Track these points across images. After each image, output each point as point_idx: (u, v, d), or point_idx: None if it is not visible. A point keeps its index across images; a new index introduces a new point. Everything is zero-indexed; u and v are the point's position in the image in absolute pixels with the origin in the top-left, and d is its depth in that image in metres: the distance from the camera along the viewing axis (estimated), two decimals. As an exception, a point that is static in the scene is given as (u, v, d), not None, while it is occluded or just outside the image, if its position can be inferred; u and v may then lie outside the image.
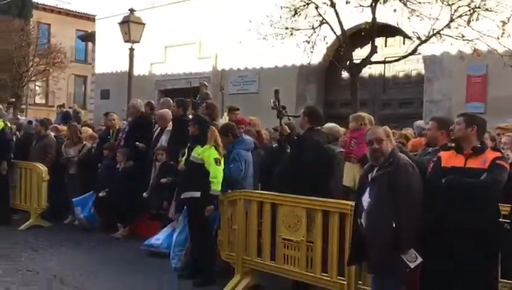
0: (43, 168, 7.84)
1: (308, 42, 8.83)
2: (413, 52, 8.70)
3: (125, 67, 11.62)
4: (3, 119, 8.36)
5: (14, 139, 8.76)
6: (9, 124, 8.59)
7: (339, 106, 12.18)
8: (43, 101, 29.25)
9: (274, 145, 6.42)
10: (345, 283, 4.35)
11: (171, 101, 7.85)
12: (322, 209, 4.57)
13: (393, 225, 3.42)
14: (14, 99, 18.89)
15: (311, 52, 8.93)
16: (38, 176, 7.83)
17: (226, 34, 13.08)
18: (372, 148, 3.65)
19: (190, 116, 6.76)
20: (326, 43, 9.09)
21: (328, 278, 4.51)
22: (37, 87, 25.88)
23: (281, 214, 4.89)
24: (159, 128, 7.57)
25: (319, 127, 5.25)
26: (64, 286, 5.17)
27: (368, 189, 3.66)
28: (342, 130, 6.19)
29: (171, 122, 7.24)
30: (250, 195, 5.25)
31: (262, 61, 12.48)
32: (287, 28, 8.84)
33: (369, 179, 3.67)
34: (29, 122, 9.46)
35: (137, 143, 7.41)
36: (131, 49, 10.48)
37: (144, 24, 10.77)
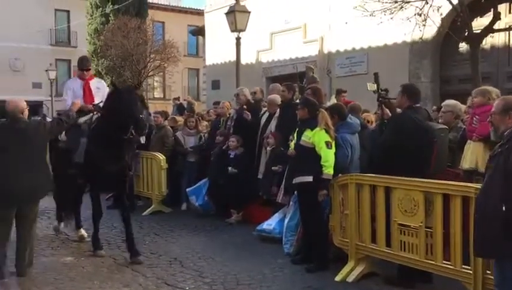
0: (161, 157, 8.31)
1: (420, 15, 8.24)
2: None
3: (233, 57, 11.88)
4: None
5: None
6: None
7: (457, 82, 11.29)
8: (161, 95, 31.14)
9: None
10: (471, 272, 4.00)
11: (280, 86, 7.84)
12: (442, 193, 4.25)
13: (503, 208, 3.07)
14: (135, 95, 20.25)
15: (424, 25, 8.34)
16: (157, 164, 8.31)
17: (331, 16, 12.76)
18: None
19: (297, 101, 6.69)
20: (441, 14, 8.44)
21: (451, 267, 4.20)
22: (154, 82, 27.58)
23: (396, 198, 4.64)
24: (268, 114, 7.61)
25: (417, 105, 4.93)
26: (184, 268, 5.42)
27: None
28: (463, 107, 5.71)
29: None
30: (361, 179, 5.05)
31: (370, 40, 11.96)
32: (396, 2, 8.33)
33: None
34: (149, 114, 10.08)
35: (245, 112, 7.58)
36: (238, 38, 10.67)
37: (249, 12, 10.89)
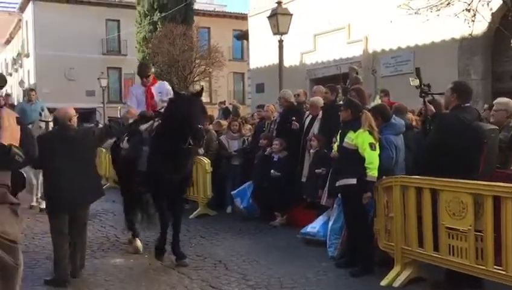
0: (206, 161, 8.43)
1: (469, 10, 7.96)
2: None
3: (277, 60, 11.88)
4: None
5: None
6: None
7: (509, 79, 10.84)
8: (207, 100, 31.60)
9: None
10: (524, 278, 3.82)
11: (323, 88, 7.79)
12: (493, 195, 4.08)
13: None
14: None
15: (473, 21, 8.03)
16: (202, 168, 8.44)
17: (376, 15, 12.54)
18: None
19: (341, 102, 6.62)
20: (491, 9, 8.12)
21: (503, 272, 4.02)
22: (200, 87, 27.99)
23: (443, 201, 4.49)
24: (311, 116, 7.58)
25: (467, 104, 4.73)
26: (228, 271, 5.47)
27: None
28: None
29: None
30: (406, 181, 4.92)
31: (416, 38, 11.67)
32: (442, -2, 8.10)
33: None
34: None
35: (293, 122, 7.51)
36: (280, 41, 10.68)
37: (291, 15, 10.88)
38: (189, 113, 5.13)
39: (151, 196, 6.02)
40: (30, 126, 8.32)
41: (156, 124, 5.90)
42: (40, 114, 8.78)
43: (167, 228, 5.70)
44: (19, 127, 1.34)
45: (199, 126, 5.15)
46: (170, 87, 6.24)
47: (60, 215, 4.96)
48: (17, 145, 1.27)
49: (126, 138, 6.06)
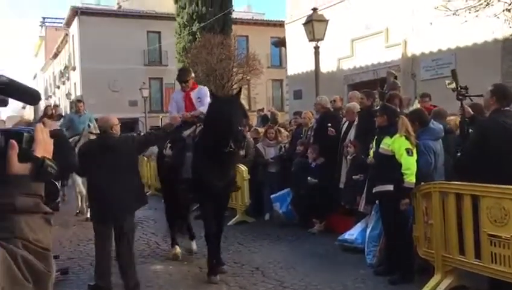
0: (244, 168, 8.50)
1: (509, 10, 7.71)
2: None
3: (313, 66, 11.87)
4: None
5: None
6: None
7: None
8: (246, 107, 31.73)
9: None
10: None
11: (359, 94, 7.73)
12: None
13: None
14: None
15: (514, 21, 7.77)
16: (240, 175, 8.50)
17: (414, 17, 12.31)
18: None
19: (377, 108, 6.54)
20: (533, 8, 7.82)
21: (549, 281, 3.86)
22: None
23: (484, 207, 4.37)
24: (348, 122, 7.53)
25: (507, 108, 4.59)
26: (265, 278, 5.50)
27: None
28: None
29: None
30: (446, 187, 4.82)
31: (457, 40, 11.35)
32: (480, -1, 7.88)
33: None
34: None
35: (329, 128, 7.45)
36: (316, 47, 10.66)
37: (326, 21, 10.86)
38: (227, 115, 5.01)
39: (195, 204, 5.95)
40: (77, 137, 8.41)
41: (198, 129, 5.79)
42: (89, 125, 8.91)
43: (212, 237, 5.56)
44: (53, 140, 1.41)
45: (239, 128, 5.01)
46: (209, 92, 6.05)
47: (103, 223, 5.00)
48: (50, 157, 1.35)
49: (169, 145, 6.02)
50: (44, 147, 1.35)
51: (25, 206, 1.26)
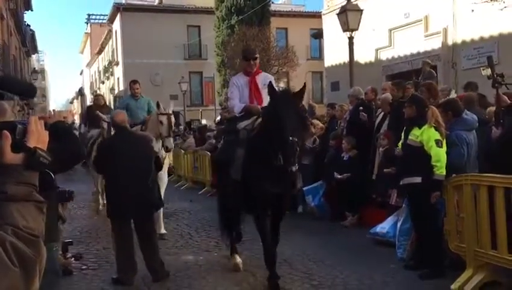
0: (276, 161, 8.46)
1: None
2: None
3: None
4: None
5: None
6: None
7: None
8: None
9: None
10: None
11: (390, 84, 7.57)
12: None
13: None
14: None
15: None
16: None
17: (455, 5, 11.90)
18: None
19: (409, 99, 6.37)
20: None
21: None
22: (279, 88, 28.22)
23: (517, 200, 4.20)
24: (382, 113, 7.39)
25: None
26: (292, 269, 5.49)
27: None
28: None
29: (392, 107, 6.98)
30: (478, 179, 4.65)
31: (500, 27, 10.90)
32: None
33: None
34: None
35: (361, 113, 7.28)
36: (351, 38, 10.49)
37: (361, 10, 10.65)
38: (279, 121, 4.02)
39: (248, 214, 5.12)
40: (140, 126, 7.15)
41: (258, 121, 4.73)
42: (149, 111, 7.86)
43: (267, 255, 4.79)
44: (47, 132, 1.47)
45: (291, 138, 3.94)
46: (274, 81, 5.02)
47: (118, 220, 5.02)
48: (44, 148, 1.41)
49: (223, 138, 5.41)
50: (37, 138, 1.41)
51: (17, 194, 1.32)
